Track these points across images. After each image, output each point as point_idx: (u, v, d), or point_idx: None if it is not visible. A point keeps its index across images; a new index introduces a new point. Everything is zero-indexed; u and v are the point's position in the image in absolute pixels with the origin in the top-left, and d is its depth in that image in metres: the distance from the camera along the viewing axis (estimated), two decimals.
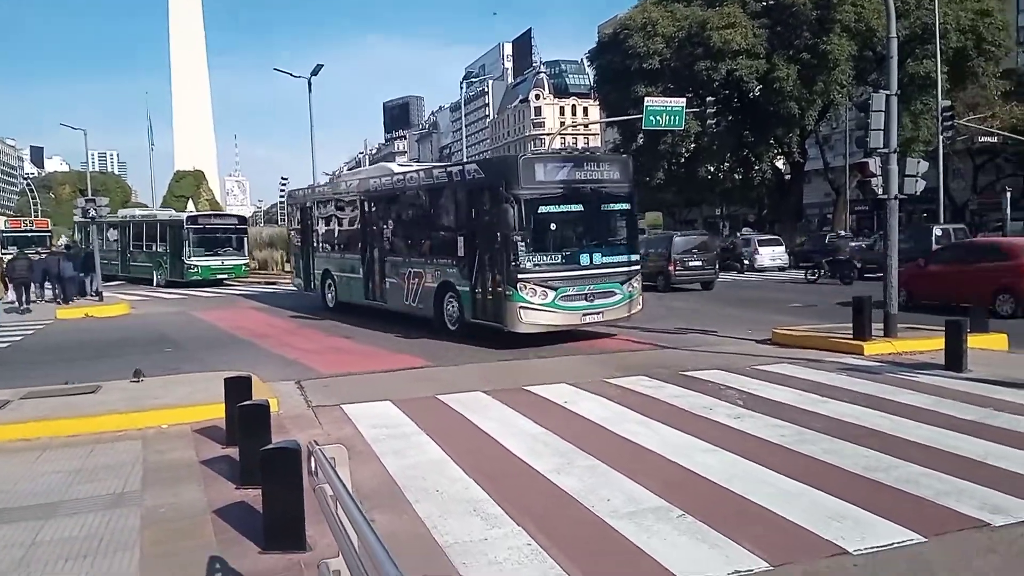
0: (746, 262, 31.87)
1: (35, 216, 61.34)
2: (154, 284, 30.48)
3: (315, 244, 19.16)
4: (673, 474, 5.91)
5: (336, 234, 18.38)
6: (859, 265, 24.22)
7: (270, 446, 4.80)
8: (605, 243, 12.72)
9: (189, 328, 16.79)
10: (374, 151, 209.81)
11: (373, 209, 16.43)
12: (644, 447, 6.64)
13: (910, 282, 15.17)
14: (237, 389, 6.83)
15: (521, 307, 11.74)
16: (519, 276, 11.71)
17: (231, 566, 4.44)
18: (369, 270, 16.21)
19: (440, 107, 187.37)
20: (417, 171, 15.95)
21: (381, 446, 6.84)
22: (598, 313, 12.41)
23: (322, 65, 34.36)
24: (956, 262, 14.52)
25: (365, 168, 23.74)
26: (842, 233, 32.82)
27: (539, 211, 11.97)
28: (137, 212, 39.03)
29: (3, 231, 40.96)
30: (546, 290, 11.84)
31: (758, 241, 33.13)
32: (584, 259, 12.30)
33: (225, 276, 30.56)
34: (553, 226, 12.28)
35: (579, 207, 12.40)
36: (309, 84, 34.37)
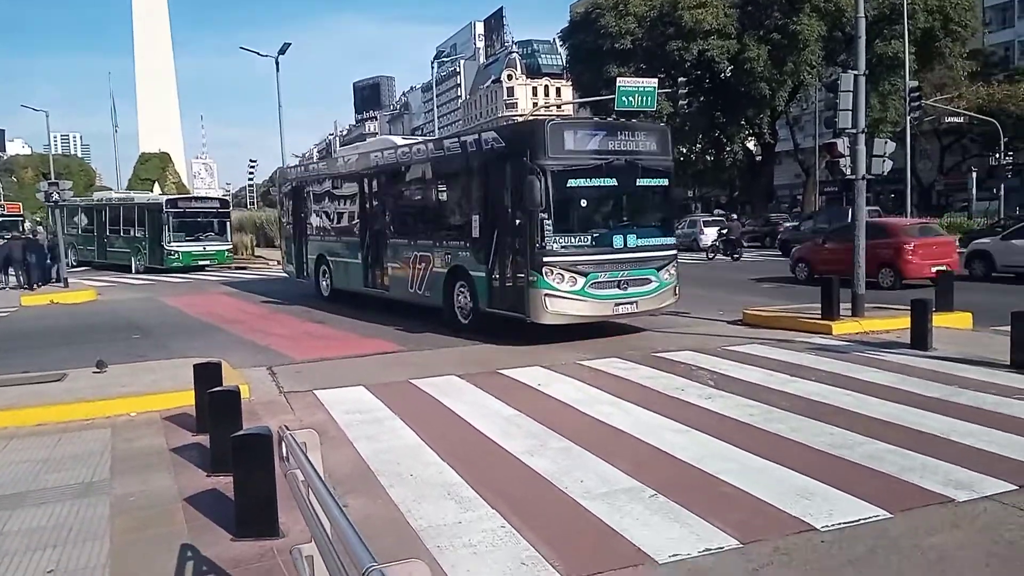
0: (693, 242, 32.43)
1: None
2: (132, 271, 29.42)
3: (309, 227, 17.77)
4: (645, 454, 5.98)
5: (332, 215, 16.94)
6: (745, 244, 29.34)
7: (241, 432, 4.76)
8: (641, 224, 11.32)
9: (157, 314, 16.54)
10: (344, 132, 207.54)
11: (374, 187, 14.96)
12: (617, 428, 6.70)
13: (810, 257, 18.61)
14: (207, 376, 6.75)
15: (547, 295, 10.31)
16: (545, 259, 10.27)
17: (203, 554, 4.41)
18: (369, 255, 14.89)
19: (411, 87, 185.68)
20: (424, 143, 14.35)
21: (354, 431, 6.82)
22: (632, 303, 11.00)
23: (289, 44, 33.92)
24: (848, 240, 15.41)
25: (365, 142, 22.08)
26: (733, 216, 33.82)
27: (568, 185, 10.47)
28: (114, 195, 37.45)
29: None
30: (575, 276, 10.41)
31: (703, 222, 34.30)
32: (618, 241, 10.88)
33: (207, 262, 29.25)
34: (584, 203, 10.93)
35: (613, 181, 10.85)
36: (277, 63, 33.88)
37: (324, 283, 17.02)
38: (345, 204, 16.43)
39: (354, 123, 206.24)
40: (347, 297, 15.94)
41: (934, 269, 15.51)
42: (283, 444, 3.70)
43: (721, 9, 38.74)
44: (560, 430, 6.63)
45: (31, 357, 10.96)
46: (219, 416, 5.76)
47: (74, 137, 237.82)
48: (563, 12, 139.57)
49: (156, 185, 59.03)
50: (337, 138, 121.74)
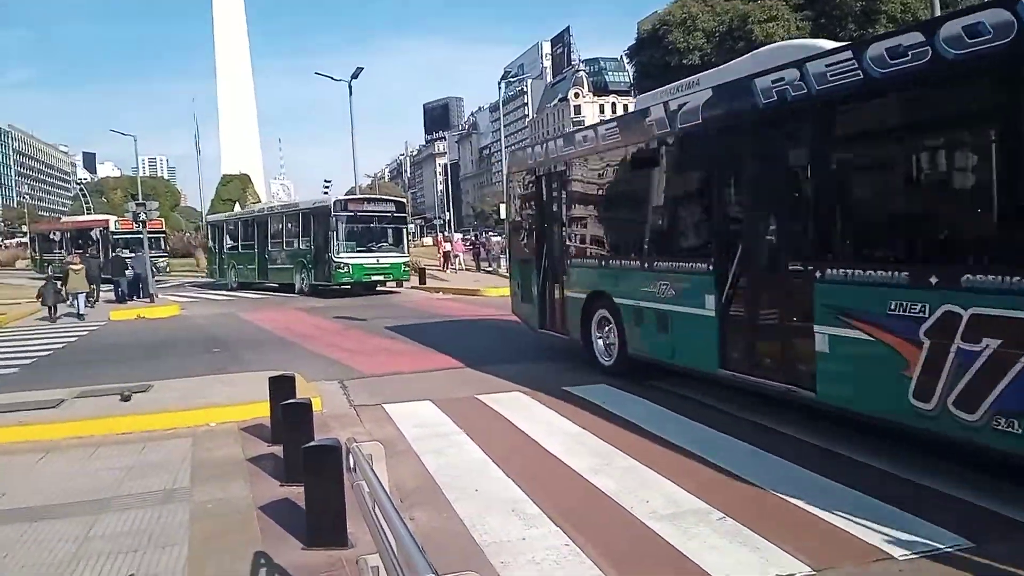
0: None
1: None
2: (296, 290, 25.21)
3: (572, 240, 10.62)
4: (714, 475, 5.86)
5: (630, 221, 9.51)
6: None
7: (312, 443, 4.90)
8: None
9: (236, 329, 17.15)
10: (415, 152, 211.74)
11: (785, 153, 6.99)
12: (683, 448, 6.59)
13: None
14: (281, 388, 6.97)
15: None
16: None
17: (275, 561, 4.55)
18: (734, 300, 7.45)
19: (479, 107, 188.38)
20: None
21: (421, 445, 6.92)
22: None
23: (362, 68, 34.84)
24: None
25: (717, 68, 8.82)
26: None
27: None
28: (278, 203, 33.16)
29: (114, 232, 35.09)
30: None
31: None
32: None
33: (380, 278, 24.47)
34: None
35: None
36: (350, 87, 34.87)
37: (603, 343, 9.97)
38: (669, 197, 8.78)
39: (424, 143, 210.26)
40: (659, 374, 9.21)
41: None
42: (350, 456, 3.80)
43: (793, 22, 38.05)
44: (625, 449, 6.57)
45: (118, 369, 11.53)
46: (292, 427, 5.94)
47: (160, 159, 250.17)
48: (631, 29, 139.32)
49: (236, 205, 61.40)
50: (407, 158, 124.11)
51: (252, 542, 4.84)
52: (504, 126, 44.02)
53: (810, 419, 6.98)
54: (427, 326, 16.08)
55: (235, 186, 66.24)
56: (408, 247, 25.96)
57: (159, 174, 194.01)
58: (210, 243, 34.08)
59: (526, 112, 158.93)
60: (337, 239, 23.35)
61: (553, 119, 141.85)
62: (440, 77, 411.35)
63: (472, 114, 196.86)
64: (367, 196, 32.50)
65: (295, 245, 25.91)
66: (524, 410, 8.20)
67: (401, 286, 26.09)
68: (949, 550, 4.40)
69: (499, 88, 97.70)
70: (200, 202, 61.86)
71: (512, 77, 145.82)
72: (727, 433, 6.97)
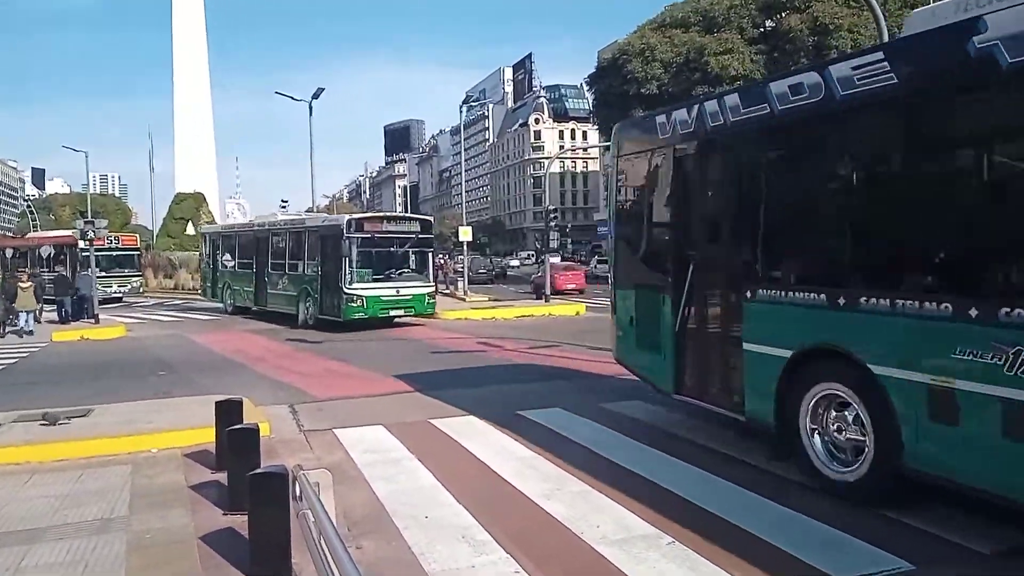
0: None
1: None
2: (299, 322, 20.86)
3: (753, 258, 6.79)
4: (664, 500, 5.87)
5: (918, 227, 5.38)
6: None
7: (257, 471, 4.77)
8: None
9: (184, 351, 16.75)
10: (375, 174, 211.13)
11: None
12: (635, 472, 6.60)
13: None
14: (228, 413, 6.80)
15: None
16: None
17: None
18: None
19: (440, 130, 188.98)
20: None
21: (371, 471, 6.81)
22: None
23: (323, 89, 34.77)
24: None
25: None
26: None
27: None
28: (282, 216, 27.59)
29: (84, 250, 27.46)
30: None
31: None
32: None
33: (400, 312, 20.42)
34: None
35: None
36: (310, 107, 34.72)
37: (826, 441, 6.07)
38: None
39: (384, 164, 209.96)
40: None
41: None
42: (297, 483, 3.72)
43: (747, 55, 39.08)
44: (577, 473, 6.55)
45: (59, 391, 11.13)
46: (238, 454, 5.78)
47: (112, 176, 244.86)
48: (591, 57, 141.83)
49: (190, 224, 60.27)
50: (367, 179, 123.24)
51: (191, 573, 4.68)
52: (465, 149, 44.21)
53: (761, 446, 7.06)
54: (382, 349, 15.92)
55: (189, 205, 65.00)
56: (432, 273, 21.82)
57: (111, 191, 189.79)
58: (204, 258, 29.34)
59: (487, 136, 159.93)
60: (349, 265, 19.05)
61: (514, 143, 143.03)
62: (401, 99, 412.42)
63: (433, 137, 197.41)
64: (387, 215, 27.53)
65: (299, 269, 21.64)
66: (477, 435, 8.14)
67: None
68: (892, 573, 4.47)
69: (461, 112, 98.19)
70: (152, 220, 60.61)
71: (474, 101, 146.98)
72: (679, 458, 7.00)
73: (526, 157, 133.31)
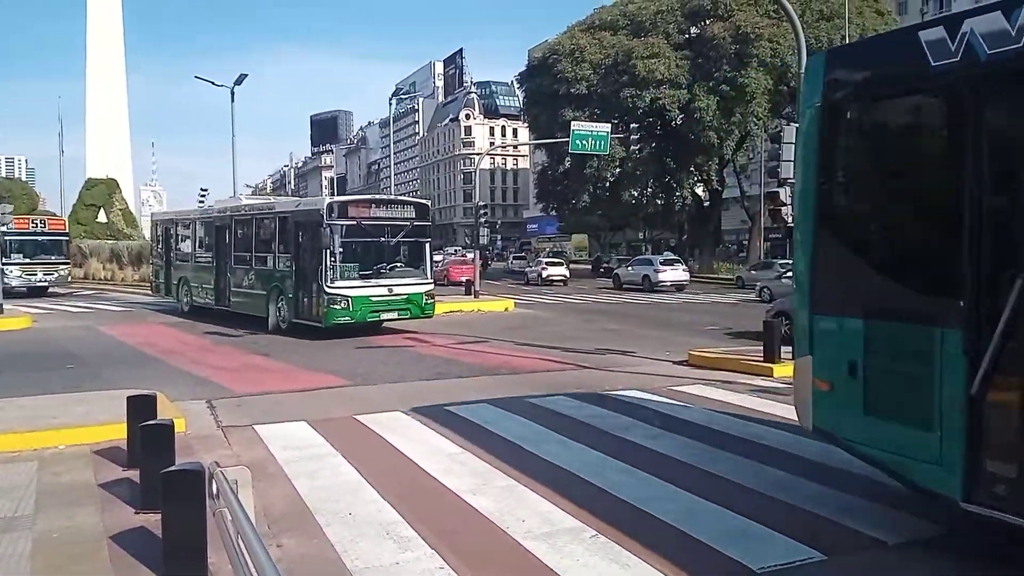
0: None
1: None
2: (269, 326, 17.52)
3: None
4: (588, 494, 5.96)
5: None
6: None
7: (171, 468, 4.60)
8: None
9: (95, 344, 15.99)
10: (300, 164, 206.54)
11: None
12: (561, 467, 6.68)
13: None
14: (141, 408, 6.53)
15: None
16: None
17: None
18: None
19: (369, 122, 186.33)
20: None
21: (293, 468, 6.66)
22: None
23: (246, 75, 33.80)
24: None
25: None
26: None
27: None
28: (248, 199, 23.83)
29: (5, 233, 24.81)
30: None
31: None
32: None
33: (395, 315, 16.97)
34: None
35: None
36: (232, 94, 33.66)
37: None
38: None
39: (310, 155, 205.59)
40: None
41: None
42: (213, 481, 3.60)
43: (673, 60, 39.96)
44: (504, 468, 6.58)
45: None
46: (151, 450, 5.56)
47: (19, 160, 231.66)
48: (522, 56, 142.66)
49: (102, 211, 57.54)
50: (292, 169, 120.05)
51: (101, 574, 4.48)
52: (394, 142, 43.79)
53: (687, 441, 7.25)
54: (305, 342, 15.59)
55: (101, 191, 62.05)
56: (431, 268, 18.37)
57: (17, 175, 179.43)
58: (155, 249, 25.63)
59: (417, 130, 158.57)
60: (331, 259, 15.72)
61: (444, 138, 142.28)
62: (329, 89, 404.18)
63: (362, 128, 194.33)
64: (376, 197, 22.86)
65: (269, 263, 18.03)
66: (404, 430, 8.07)
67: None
68: (805, 562, 4.66)
69: (390, 104, 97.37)
70: (61, 207, 57.58)
71: (404, 94, 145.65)
72: (604, 452, 7.11)
73: (456, 152, 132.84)
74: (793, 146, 11.38)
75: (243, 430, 8.07)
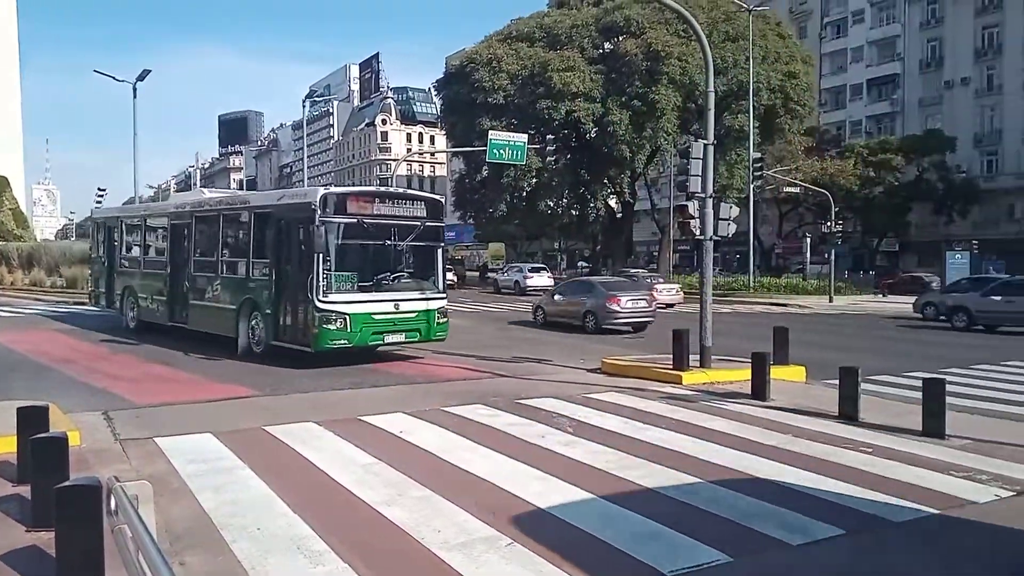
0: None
1: None
2: (239, 348, 14.22)
3: None
4: (504, 502, 5.98)
5: None
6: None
7: (65, 483, 4.34)
8: None
9: None
10: (206, 165, 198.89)
11: None
12: (477, 476, 6.68)
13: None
14: (31, 420, 6.14)
15: None
16: None
17: None
18: None
19: (281, 124, 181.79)
20: None
21: (198, 482, 6.39)
22: None
23: (149, 71, 32.49)
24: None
25: None
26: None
27: None
28: (209, 195, 18.74)
29: None
30: None
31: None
32: None
33: (402, 338, 13.71)
34: None
35: None
36: (134, 90, 32.20)
37: None
38: None
39: (218, 156, 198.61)
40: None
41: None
42: (111, 496, 3.42)
43: (588, 74, 40.78)
44: (419, 478, 6.52)
45: None
46: (43, 465, 5.23)
47: None
48: (439, 63, 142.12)
49: None
50: (198, 170, 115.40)
51: None
52: (308, 145, 42.82)
53: (601, 448, 7.37)
54: (212, 353, 15.02)
55: None
56: (444, 280, 14.75)
57: None
58: (93, 253, 21.84)
59: (331, 133, 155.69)
60: (325, 265, 12.53)
61: (360, 143, 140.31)
62: (238, 89, 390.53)
63: (273, 130, 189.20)
64: (380, 190, 16.15)
65: (241, 271, 14.75)
66: (315, 441, 7.88)
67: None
68: (712, 564, 4.82)
69: (303, 107, 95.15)
70: None
71: (318, 97, 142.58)
72: (520, 460, 7.15)
73: (373, 158, 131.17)
74: (700, 162, 11.94)
75: (143, 443, 7.69)
